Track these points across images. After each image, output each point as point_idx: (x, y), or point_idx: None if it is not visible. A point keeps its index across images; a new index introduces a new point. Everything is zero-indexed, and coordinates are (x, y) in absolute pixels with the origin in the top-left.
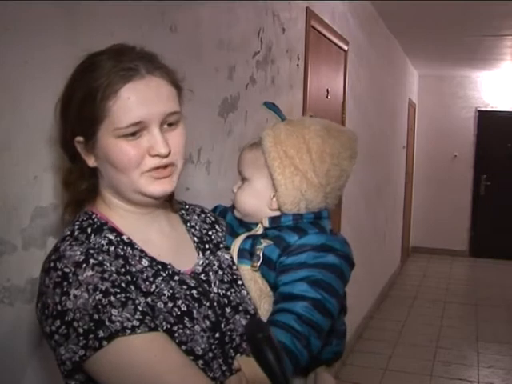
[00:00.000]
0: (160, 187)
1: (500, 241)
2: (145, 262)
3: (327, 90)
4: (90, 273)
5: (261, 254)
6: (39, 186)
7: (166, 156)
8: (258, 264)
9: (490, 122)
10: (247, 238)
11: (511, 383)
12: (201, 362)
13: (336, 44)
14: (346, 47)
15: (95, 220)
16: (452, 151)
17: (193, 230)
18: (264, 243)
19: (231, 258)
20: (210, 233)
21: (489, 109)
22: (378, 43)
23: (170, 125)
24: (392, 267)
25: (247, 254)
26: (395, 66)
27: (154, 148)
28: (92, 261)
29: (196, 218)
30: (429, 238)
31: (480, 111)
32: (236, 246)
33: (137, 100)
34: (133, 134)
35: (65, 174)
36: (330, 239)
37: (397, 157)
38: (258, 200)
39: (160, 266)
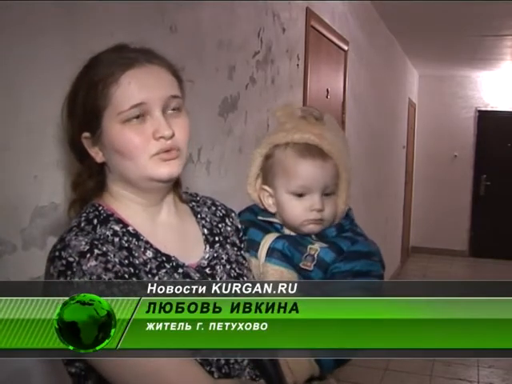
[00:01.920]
0: (166, 170)
1: (500, 241)
2: (149, 254)
3: (327, 89)
4: (93, 263)
5: (315, 255)
6: (39, 185)
7: (170, 138)
8: (313, 264)
9: (489, 122)
10: (278, 238)
11: (511, 383)
12: None
13: (336, 44)
14: (346, 47)
15: (101, 211)
16: (452, 151)
17: (203, 222)
18: (316, 245)
19: (236, 255)
20: (219, 225)
21: (489, 109)
22: (378, 43)
23: (173, 110)
24: (392, 267)
25: (279, 253)
26: (395, 66)
27: (157, 130)
28: (96, 251)
29: (206, 210)
30: (429, 238)
31: (480, 111)
32: (267, 243)
33: (137, 84)
34: (136, 118)
35: (75, 178)
36: (373, 248)
37: (397, 156)
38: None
39: (164, 258)
